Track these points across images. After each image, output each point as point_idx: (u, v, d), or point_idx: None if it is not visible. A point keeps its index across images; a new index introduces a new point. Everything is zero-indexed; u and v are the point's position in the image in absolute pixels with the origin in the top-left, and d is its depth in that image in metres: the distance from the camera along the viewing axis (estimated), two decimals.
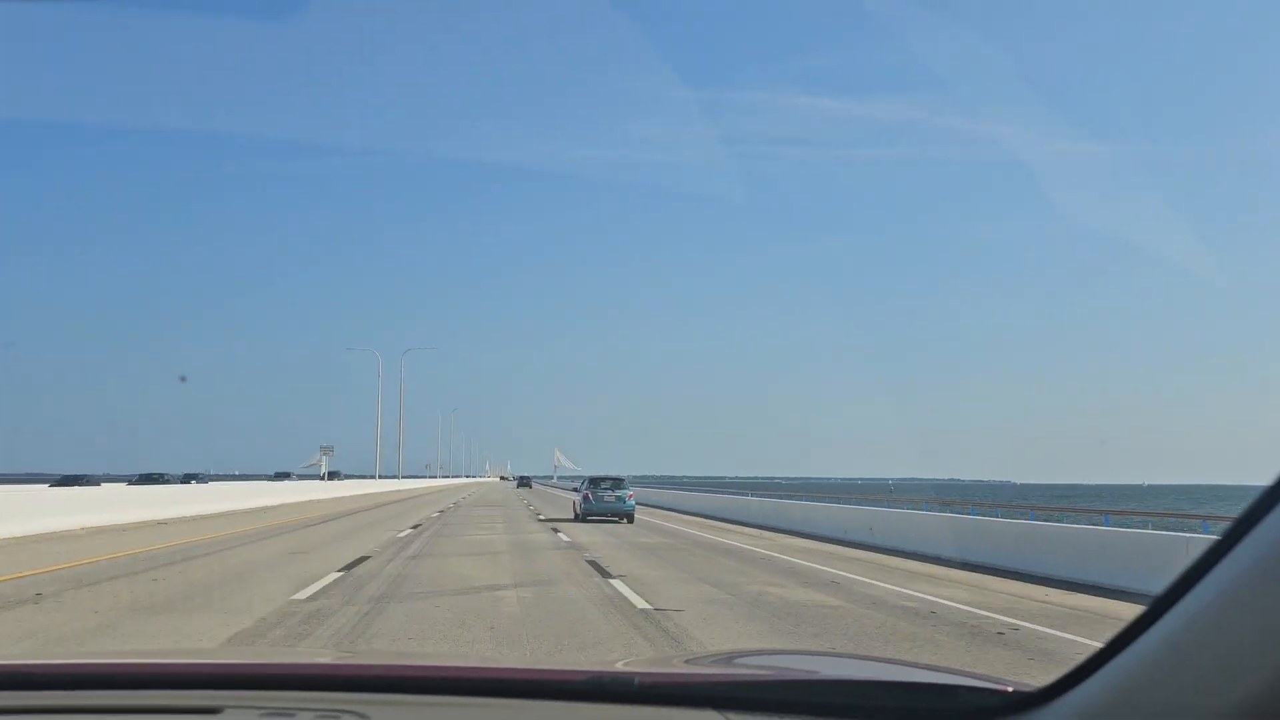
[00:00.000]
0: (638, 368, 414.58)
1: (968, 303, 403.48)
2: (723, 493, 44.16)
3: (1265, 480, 1.01)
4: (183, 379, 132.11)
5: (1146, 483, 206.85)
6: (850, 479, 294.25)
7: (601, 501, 27.74)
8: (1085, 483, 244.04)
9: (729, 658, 2.26)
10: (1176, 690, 1.03)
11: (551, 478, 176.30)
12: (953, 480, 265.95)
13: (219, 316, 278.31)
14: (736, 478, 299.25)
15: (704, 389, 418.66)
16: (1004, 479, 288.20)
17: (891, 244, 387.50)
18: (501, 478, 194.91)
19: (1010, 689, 1.44)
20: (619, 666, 1.89)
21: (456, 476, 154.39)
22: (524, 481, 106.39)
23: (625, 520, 27.49)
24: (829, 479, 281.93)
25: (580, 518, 28.11)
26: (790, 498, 37.14)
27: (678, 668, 2.01)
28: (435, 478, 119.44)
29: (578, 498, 29.49)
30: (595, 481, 28.80)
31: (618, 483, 28.42)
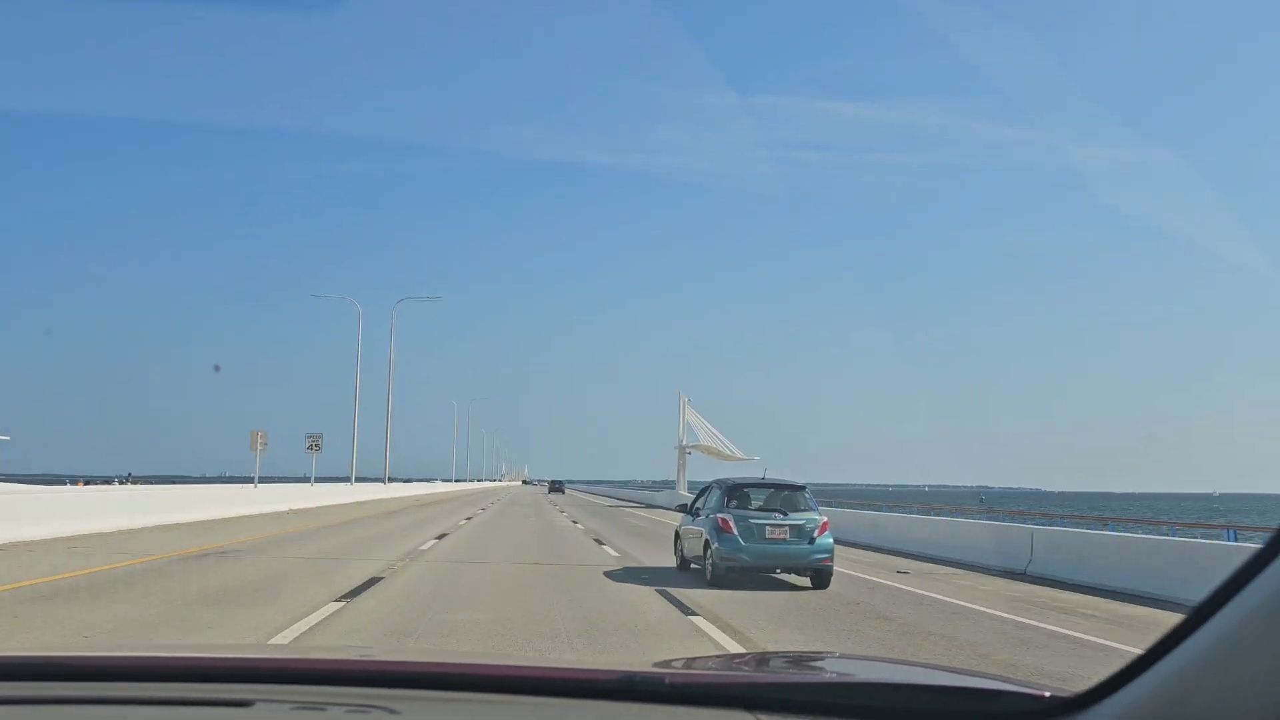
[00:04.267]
0: (657, 371, 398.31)
1: (1002, 307, 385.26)
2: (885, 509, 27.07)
3: None
4: (217, 368, 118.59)
5: (1217, 491, 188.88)
6: (876, 485, 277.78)
7: (761, 540, 12.23)
8: (1131, 490, 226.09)
9: (762, 658, 2.47)
10: (1214, 699, 1.02)
11: (673, 483, 58.13)
12: (982, 487, 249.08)
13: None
14: None
15: (725, 391, 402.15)
16: (1033, 486, 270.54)
17: (925, 248, 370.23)
18: (525, 482, 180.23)
19: (1047, 694, 1.41)
20: (651, 666, 1.82)
21: (435, 480, 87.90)
22: (555, 486, 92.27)
23: (811, 580, 12.52)
24: (849, 485, 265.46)
25: (709, 576, 12.50)
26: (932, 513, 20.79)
27: (709, 668, 2.00)
28: (391, 481, 60.29)
29: (700, 528, 13.13)
30: (740, 493, 13.06)
31: (792, 497, 12.90)
